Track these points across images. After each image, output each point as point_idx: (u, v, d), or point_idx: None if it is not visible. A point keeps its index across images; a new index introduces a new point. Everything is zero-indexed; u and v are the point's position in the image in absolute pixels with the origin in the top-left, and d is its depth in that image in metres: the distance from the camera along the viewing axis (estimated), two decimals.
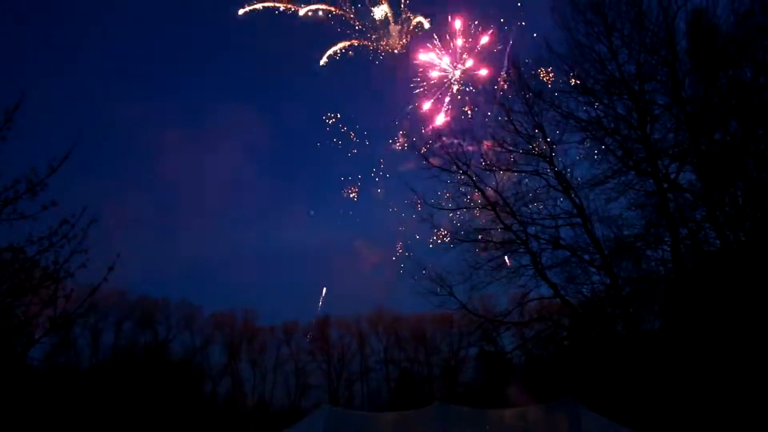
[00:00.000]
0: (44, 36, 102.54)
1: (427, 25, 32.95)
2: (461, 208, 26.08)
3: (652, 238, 22.47)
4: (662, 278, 22.52)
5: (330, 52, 33.30)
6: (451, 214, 26.73)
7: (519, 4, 30.07)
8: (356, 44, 33.32)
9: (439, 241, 26.94)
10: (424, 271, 25.29)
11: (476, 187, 25.18)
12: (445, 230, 26.50)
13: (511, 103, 25.18)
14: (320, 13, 33.05)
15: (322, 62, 33.81)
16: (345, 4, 32.93)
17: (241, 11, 32.73)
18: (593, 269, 23.52)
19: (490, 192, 25.11)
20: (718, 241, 21.25)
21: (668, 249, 21.83)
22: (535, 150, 24.49)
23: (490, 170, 25.53)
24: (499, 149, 25.71)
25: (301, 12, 32.98)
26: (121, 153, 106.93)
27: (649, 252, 22.95)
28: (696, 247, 22.14)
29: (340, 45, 33.15)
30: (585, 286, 24.13)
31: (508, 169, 25.51)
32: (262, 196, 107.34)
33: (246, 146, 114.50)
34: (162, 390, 54.72)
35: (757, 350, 17.30)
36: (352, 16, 33.03)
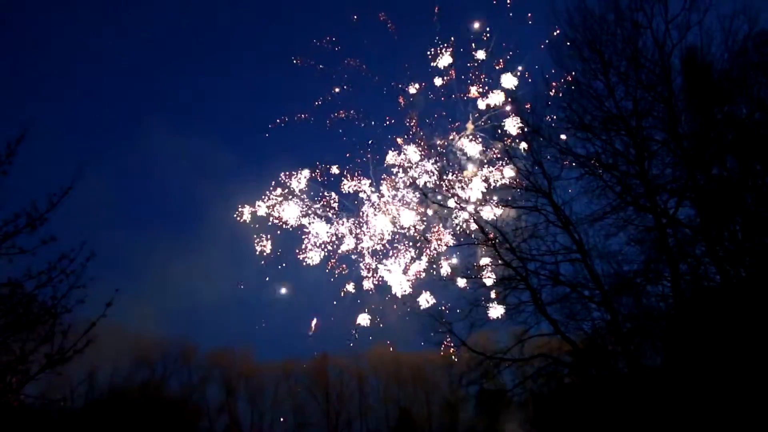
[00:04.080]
0: (49, 69, 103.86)
1: None
2: (461, 245, 26.14)
3: (652, 273, 22.39)
4: (663, 314, 22.37)
5: None
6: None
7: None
8: None
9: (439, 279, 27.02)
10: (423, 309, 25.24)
11: (476, 223, 25.22)
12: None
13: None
14: None
15: None
16: None
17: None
18: (593, 305, 23.38)
19: (489, 228, 25.16)
20: (718, 277, 21.19)
21: (668, 284, 21.70)
22: (533, 186, 24.61)
23: (490, 206, 25.68)
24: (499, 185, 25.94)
25: None
26: (121, 189, 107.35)
27: (649, 287, 22.85)
28: (696, 283, 22.04)
29: None
30: (585, 323, 23.96)
31: (507, 205, 25.61)
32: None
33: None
34: (158, 428, 54.00)
35: (760, 386, 17.11)
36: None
